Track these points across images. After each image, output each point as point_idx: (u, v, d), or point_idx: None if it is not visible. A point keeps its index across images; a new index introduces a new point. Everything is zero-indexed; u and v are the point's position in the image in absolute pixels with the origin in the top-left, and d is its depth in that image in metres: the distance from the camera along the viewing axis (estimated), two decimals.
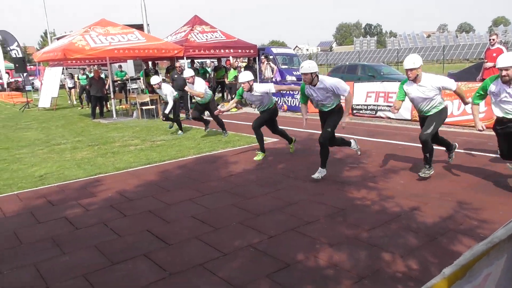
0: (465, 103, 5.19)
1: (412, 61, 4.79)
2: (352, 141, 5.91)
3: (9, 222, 4.35)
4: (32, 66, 28.98)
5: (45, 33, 41.83)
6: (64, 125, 11.95)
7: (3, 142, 9.26)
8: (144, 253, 3.48)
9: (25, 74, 19.70)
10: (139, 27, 15.31)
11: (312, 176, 5.34)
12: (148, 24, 17.55)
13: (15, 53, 19.94)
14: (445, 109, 5.12)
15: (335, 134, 5.52)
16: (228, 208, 4.49)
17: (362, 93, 11.03)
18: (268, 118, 6.68)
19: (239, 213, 4.34)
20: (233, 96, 14.52)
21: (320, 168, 5.39)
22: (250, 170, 6.06)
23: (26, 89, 20.16)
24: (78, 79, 17.89)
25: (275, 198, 4.77)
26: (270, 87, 6.50)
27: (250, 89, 6.41)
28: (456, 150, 5.57)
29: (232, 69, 14.58)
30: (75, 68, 19.91)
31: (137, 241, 3.73)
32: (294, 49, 42.46)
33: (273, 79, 14.32)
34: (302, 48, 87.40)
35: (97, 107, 13.26)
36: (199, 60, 20.54)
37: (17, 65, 18.06)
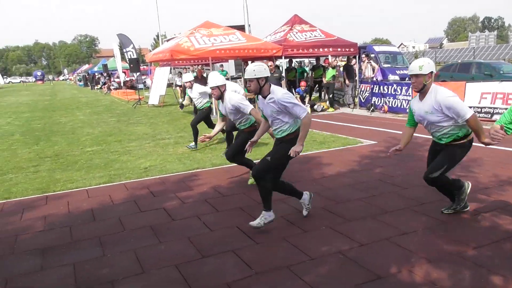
0: (481, 141, 3.58)
1: (418, 64, 3.61)
2: (305, 193, 4.27)
3: (115, 209, 4.77)
4: (145, 66, 31.79)
5: (157, 36, 45.60)
6: (169, 121, 12.83)
7: (117, 135, 10.26)
8: (232, 249, 3.54)
9: (138, 73, 21.62)
10: (241, 28, 15.82)
11: (251, 223, 3.93)
12: (249, 25, 18.06)
13: (130, 54, 21.97)
14: (465, 144, 3.76)
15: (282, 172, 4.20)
16: (318, 211, 4.36)
17: (475, 94, 10.00)
18: (245, 142, 4.89)
19: (329, 217, 4.19)
20: (330, 96, 14.24)
21: (263, 210, 3.98)
22: (344, 173, 5.84)
23: (139, 87, 22.13)
24: None
25: (369, 204, 4.51)
26: (244, 108, 4.94)
27: (221, 97, 5.13)
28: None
29: (330, 68, 14.28)
30: (182, 68, 21.34)
31: (227, 237, 3.81)
32: (398, 47, 40.20)
33: (374, 79, 13.72)
34: (407, 45, 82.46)
35: None
36: (297, 59, 20.56)
37: (131, 65, 19.90)
